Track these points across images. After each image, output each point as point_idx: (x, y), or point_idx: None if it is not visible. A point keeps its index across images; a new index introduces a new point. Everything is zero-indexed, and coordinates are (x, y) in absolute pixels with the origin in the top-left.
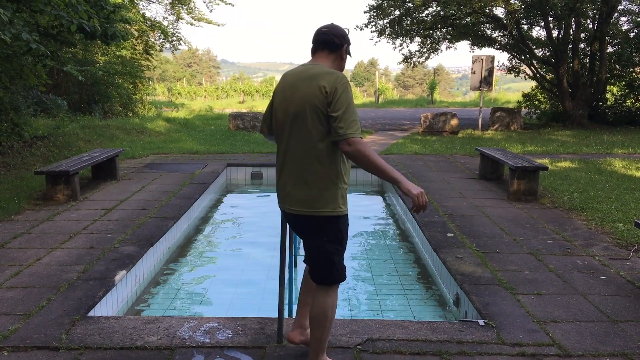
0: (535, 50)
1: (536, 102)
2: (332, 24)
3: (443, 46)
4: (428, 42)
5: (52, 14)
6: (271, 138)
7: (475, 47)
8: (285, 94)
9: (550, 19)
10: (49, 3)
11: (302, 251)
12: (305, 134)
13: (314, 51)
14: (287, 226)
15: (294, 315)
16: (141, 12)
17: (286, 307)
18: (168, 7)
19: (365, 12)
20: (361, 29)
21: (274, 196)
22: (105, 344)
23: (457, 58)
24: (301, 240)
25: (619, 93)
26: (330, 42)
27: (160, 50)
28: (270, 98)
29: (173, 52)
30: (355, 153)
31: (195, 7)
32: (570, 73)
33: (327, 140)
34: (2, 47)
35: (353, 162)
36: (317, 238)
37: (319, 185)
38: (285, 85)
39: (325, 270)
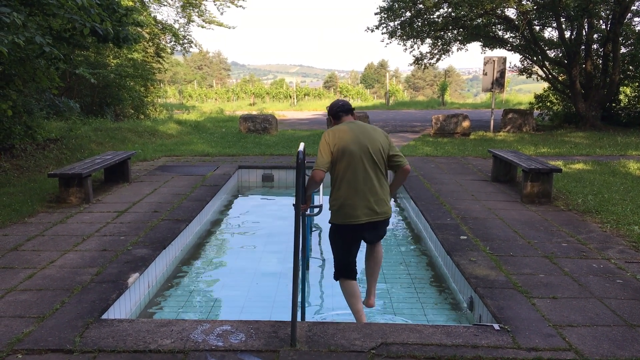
0: (548, 51)
1: (548, 104)
2: (340, 99)
3: (454, 47)
4: (439, 43)
5: (65, 17)
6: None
7: (487, 48)
8: (362, 139)
9: (562, 19)
10: (62, 6)
11: (314, 254)
12: (383, 167)
13: (346, 114)
14: (300, 231)
15: (307, 319)
16: (152, 15)
17: (299, 310)
18: (179, 9)
19: (376, 13)
20: (372, 31)
21: (285, 199)
22: (119, 347)
23: (467, 59)
24: (312, 245)
25: (633, 94)
26: (351, 109)
27: (171, 53)
28: (325, 142)
29: (184, 55)
30: (407, 173)
31: (206, 10)
32: (582, 74)
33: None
34: (16, 51)
35: (401, 179)
36: (385, 227)
37: (388, 199)
38: (357, 133)
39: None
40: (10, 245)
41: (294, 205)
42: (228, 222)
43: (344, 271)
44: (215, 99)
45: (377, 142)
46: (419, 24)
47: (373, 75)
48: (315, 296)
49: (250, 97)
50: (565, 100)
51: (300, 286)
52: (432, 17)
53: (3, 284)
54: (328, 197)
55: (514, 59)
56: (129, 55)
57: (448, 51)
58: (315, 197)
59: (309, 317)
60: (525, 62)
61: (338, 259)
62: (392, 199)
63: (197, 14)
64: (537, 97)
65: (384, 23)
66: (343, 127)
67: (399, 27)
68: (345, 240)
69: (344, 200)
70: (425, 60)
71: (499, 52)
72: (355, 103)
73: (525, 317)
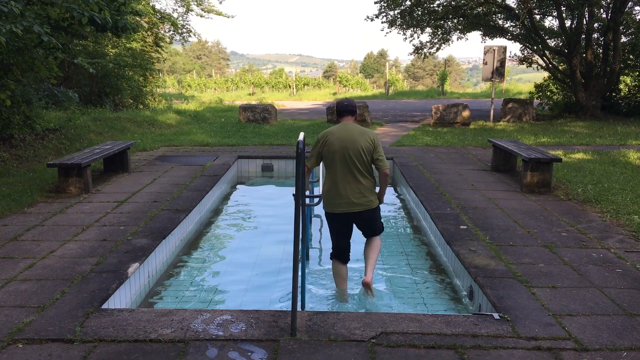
0: (548, 41)
1: (548, 93)
2: (348, 99)
3: (454, 36)
4: (439, 32)
5: (63, 6)
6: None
7: (487, 38)
8: (344, 140)
9: (563, 8)
10: None
11: (314, 244)
12: (362, 165)
13: (343, 115)
14: (300, 221)
15: (306, 308)
16: (151, 4)
17: (299, 300)
18: None
19: (375, 2)
20: (372, 20)
21: (284, 188)
22: (119, 336)
23: (467, 48)
24: (312, 234)
25: (633, 83)
26: (353, 111)
27: (170, 43)
28: (317, 142)
29: (183, 44)
30: (387, 177)
31: None
32: (583, 63)
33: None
34: (14, 40)
35: (383, 182)
36: (377, 218)
37: (371, 192)
38: (342, 135)
39: (379, 227)
40: (9, 235)
41: (294, 195)
42: (228, 212)
43: (336, 253)
44: (215, 89)
45: (358, 144)
46: (419, 12)
47: (373, 65)
48: (315, 285)
49: (249, 86)
50: (565, 90)
51: (300, 276)
52: (432, 5)
53: (3, 274)
54: None
55: (514, 48)
56: (128, 45)
57: (448, 40)
58: (315, 188)
59: (308, 307)
60: (526, 52)
61: (331, 240)
62: (393, 190)
63: (195, 3)
64: (537, 86)
65: (383, 12)
66: (333, 129)
67: (398, 16)
68: (332, 224)
69: (327, 191)
70: (425, 50)
71: (499, 42)
72: (354, 93)
73: (524, 307)
